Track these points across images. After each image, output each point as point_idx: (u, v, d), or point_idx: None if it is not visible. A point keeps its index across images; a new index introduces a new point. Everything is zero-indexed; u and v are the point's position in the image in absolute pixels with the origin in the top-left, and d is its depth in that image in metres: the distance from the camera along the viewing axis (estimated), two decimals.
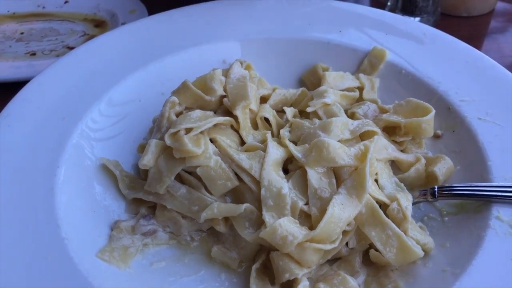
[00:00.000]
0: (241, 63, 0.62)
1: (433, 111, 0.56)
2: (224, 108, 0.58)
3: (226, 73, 0.58)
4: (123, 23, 0.80)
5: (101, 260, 0.48)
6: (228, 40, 0.69)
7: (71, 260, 0.45)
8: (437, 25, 0.82)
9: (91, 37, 0.80)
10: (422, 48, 0.66)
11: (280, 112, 0.62)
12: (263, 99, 0.62)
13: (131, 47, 0.66)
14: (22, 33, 0.81)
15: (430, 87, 0.61)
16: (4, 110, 0.56)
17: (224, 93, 0.57)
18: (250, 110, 0.58)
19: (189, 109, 0.57)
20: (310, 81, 0.67)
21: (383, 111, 0.59)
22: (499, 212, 0.47)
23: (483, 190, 0.49)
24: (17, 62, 0.76)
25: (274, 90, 0.63)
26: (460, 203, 0.51)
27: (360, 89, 0.64)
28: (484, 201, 0.49)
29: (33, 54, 0.77)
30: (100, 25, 0.83)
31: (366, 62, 0.66)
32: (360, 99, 0.63)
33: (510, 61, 0.79)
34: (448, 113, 0.59)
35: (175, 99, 0.56)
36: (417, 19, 0.82)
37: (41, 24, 0.84)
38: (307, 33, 0.70)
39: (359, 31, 0.69)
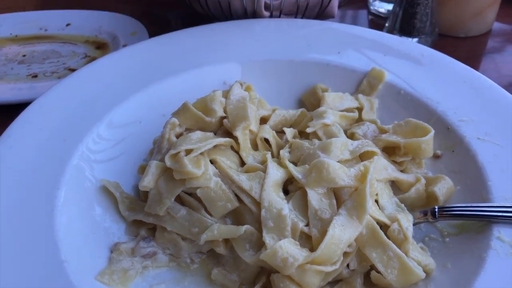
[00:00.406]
0: (241, 85, 0.63)
1: (432, 131, 0.56)
2: (224, 129, 0.58)
3: (226, 94, 0.59)
4: (124, 45, 0.81)
5: (101, 283, 0.47)
6: (228, 62, 0.70)
7: (70, 283, 0.44)
8: (435, 45, 0.83)
9: (93, 59, 0.81)
10: (420, 68, 0.66)
11: (280, 132, 0.62)
12: (263, 120, 0.63)
13: (132, 69, 0.67)
14: (24, 56, 0.82)
15: (429, 107, 0.62)
16: (6, 132, 0.57)
17: (224, 114, 0.57)
18: (250, 131, 0.58)
19: (189, 130, 0.58)
20: (310, 101, 0.68)
21: (382, 131, 0.60)
22: (500, 232, 0.47)
23: (483, 211, 0.49)
24: (19, 84, 0.76)
25: (274, 111, 0.64)
26: (461, 223, 0.51)
27: (359, 109, 0.65)
28: (485, 221, 0.49)
29: (35, 76, 0.78)
30: (101, 47, 0.84)
31: (365, 83, 0.67)
32: (359, 120, 0.64)
33: (508, 81, 0.80)
34: (447, 133, 0.59)
35: (175, 120, 0.56)
36: (415, 39, 0.83)
37: (43, 46, 0.85)
38: (306, 54, 0.70)
39: (357, 52, 0.70)
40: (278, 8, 0.76)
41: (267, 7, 0.75)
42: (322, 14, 0.80)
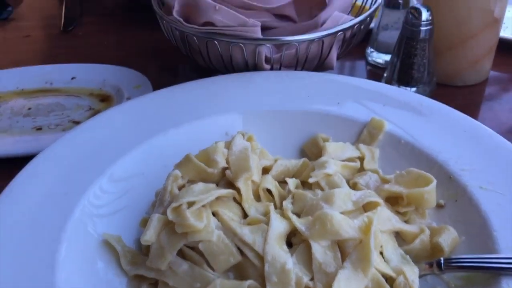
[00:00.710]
0: (243, 135, 0.64)
1: (435, 181, 0.56)
2: (226, 180, 0.58)
3: (228, 145, 0.60)
4: (128, 98, 0.83)
5: None
6: (230, 113, 0.71)
7: None
8: (433, 94, 0.84)
9: (97, 111, 0.82)
10: (420, 118, 0.67)
11: (282, 182, 0.62)
12: (265, 170, 0.63)
13: (135, 122, 0.68)
14: (29, 109, 0.84)
15: (430, 156, 0.62)
16: (9, 186, 0.57)
17: (226, 165, 0.58)
18: (253, 181, 0.58)
19: (191, 182, 0.58)
20: (311, 151, 0.68)
21: (384, 181, 0.60)
22: (509, 285, 0.46)
23: (490, 262, 0.48)
24: (24, 137, 0.77)
25: (275, 161, 0.64)
26: (467, 275, 0.50)
27: (361, 159, 0.65)
28: (493, 273, 0.48)
29: (39, 129, 0.79)
30: (105, 100, 0.86)
31: (365, 133, 0.67)
32: (361, 169, 0.64)
33: (507, 128, 0.81)
34: (450, 183, 0.59)
35: (177, 172, 0.56)
36: (413, 89, 0.84)
37: (48, 99, 0.86)
38: (307, 105, 0.71)
39: (357, 103, 0.71)
40: (278, 61, 0.78)
41: (267, 60, 0.77)
42: (321, 66, 0.82)
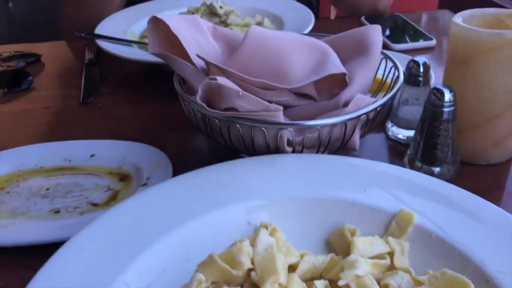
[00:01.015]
0: (266, 227, 0.62)
1: (472, 287, 0.53)
2: (250, 281, 0.56)
3: (252, 241, 0.58)
4: (147, 178, 0.82)
5: None
6: (252, 200, 0.69)
7: None
8: (457, 174, 0.83)
9: (116, 192, 0.81)
10: (450, 211, 0.65)
11: (309, 280, 0.60)
12: (291, 267, 0.60)
13: (156, 213, 0.66)
14: (47, 189, 0.83)
15: (463, 254, 0.59)
16: (29, 285, 0.55)
17: (251, 266, 0.56)
18: (279, 284, 0.56)
19: (215, 283, 0.56)
20: (338, 244, 0.66)
21: (417, 283, 0.57)
22: None
23: None
24: (42, 221, 0.76)
25: (302, 256, 0.62)
26: None
27: (390, 254, 0.62)
28: None
29: (57, 212, 0.78)
30: (124, 179, 0.85)
31: (394, 225, 0.65)
32: (391, 267, 0.61)
33: None
34: (487, 286, 0.56)
35: (201, 277, 0.54)
36: (437, 169, 0.82)
37: (66, 179, 0.85)
38: (332, 192, 0.70)
39: (384, 191, 0.69)
40: (301, 143, 0.77)
41: (289, 144, 0.77)
42: (343, 147, 0.81)
